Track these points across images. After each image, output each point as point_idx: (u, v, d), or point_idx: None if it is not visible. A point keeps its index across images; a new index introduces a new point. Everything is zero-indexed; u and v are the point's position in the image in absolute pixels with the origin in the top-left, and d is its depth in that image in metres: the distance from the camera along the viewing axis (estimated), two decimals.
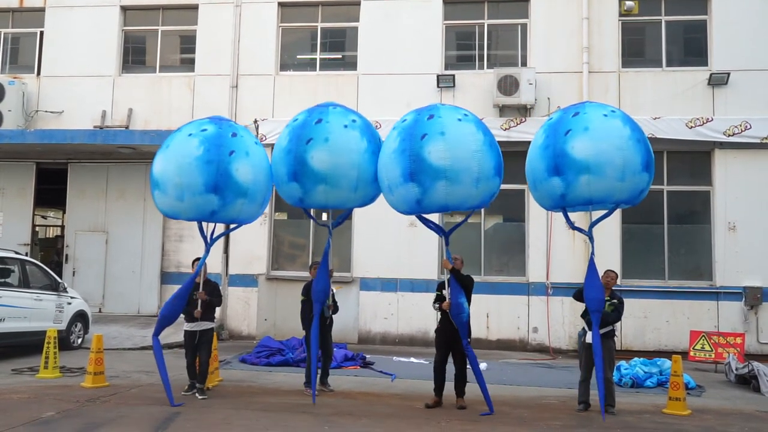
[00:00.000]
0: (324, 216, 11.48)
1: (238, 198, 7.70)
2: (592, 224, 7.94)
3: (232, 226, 8.72)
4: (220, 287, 14.51)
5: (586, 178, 7.15)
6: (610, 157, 7.12)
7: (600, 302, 7.61)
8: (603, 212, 7.99)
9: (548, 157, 7.41)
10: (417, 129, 7.38)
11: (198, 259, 8.57)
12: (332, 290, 8.90)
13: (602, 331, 7.80)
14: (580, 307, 13.50)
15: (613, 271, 8.31)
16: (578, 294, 8.05)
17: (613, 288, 8.18)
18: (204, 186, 7.47)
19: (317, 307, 8.33)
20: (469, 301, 7.94)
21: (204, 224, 8.37)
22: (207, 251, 8.34)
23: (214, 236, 8.42)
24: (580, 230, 8.19)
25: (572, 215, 8.40)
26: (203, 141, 7.60)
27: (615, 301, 7.99)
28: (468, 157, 7.25)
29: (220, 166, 7.50)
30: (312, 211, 9.28)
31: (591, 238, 7.88)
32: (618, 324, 8.16)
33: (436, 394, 8.07)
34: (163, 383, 7.81)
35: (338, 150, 7.68)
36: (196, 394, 8.24)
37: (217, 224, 8.62)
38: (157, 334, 8.00)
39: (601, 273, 7.90)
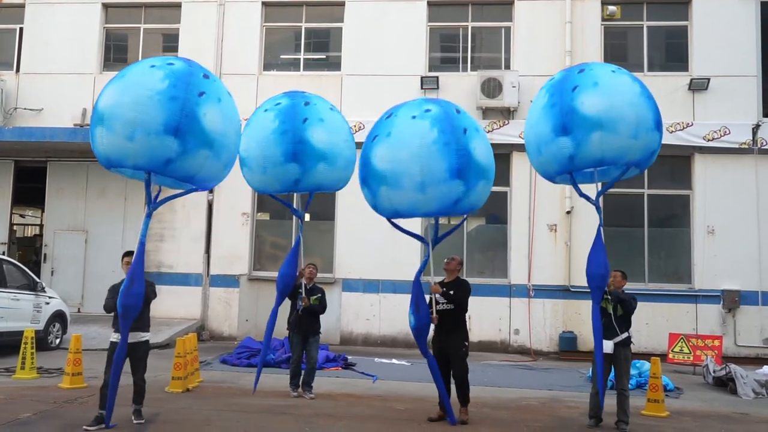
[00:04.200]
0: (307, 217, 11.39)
1: (203, 148, 6.36)
2: (599, 193, 7.47)
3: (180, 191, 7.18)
4: (201, 288, 14.56)
5: (598, 135, 6.60)
6: (623, 112, 6.61)
7: (602, 279, 7.03)
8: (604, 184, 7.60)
9: (554, 116, 6.81)
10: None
11: (130, 253, 6.88)
12: (304, 284, 8.52)
13: (618, 339, 7.36)
14: (562, 308, 13.73)
15: (621, 272, 7.70)
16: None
17: (624, 289, 7.62)
18: (163, 126, 6.11)
19: (278, 298, 8.06)
20: (466, 307, 7.56)
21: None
22: (149, 215, 6.77)
23: (160, 199, 7.00)
24: (587, 198, 7.48)
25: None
26: (169, 75, 6.31)
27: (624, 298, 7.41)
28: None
29: (186, 106, 6.21)
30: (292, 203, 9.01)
31: (598, 208, 7.35)
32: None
33: (440, 408, 7.46)
34: (108, 394, 6.56)
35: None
36: (133, 419, 6.81)
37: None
38: (125, 333, 6.64)
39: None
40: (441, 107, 7.16)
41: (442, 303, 7.41)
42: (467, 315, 7.76)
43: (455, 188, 6.85)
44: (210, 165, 6.56)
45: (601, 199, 7.35)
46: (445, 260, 7.82)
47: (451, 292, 7.42)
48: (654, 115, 6.83)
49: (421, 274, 7.39)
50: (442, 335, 7.43)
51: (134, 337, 6.80)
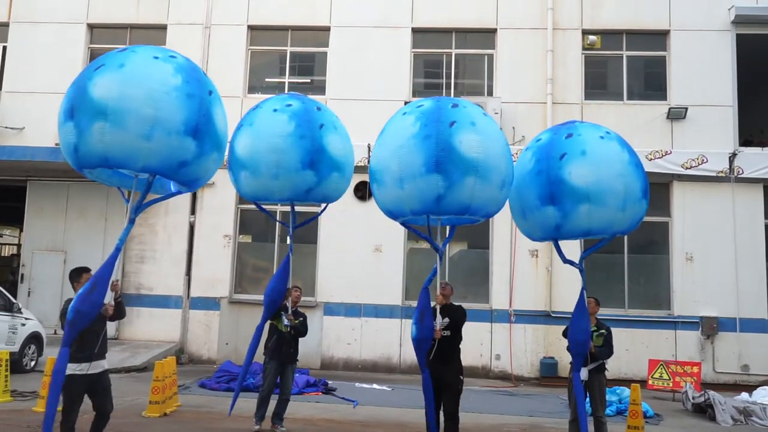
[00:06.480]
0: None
1: (214, 150, 6.03)
2: (583, 256, 7.27)
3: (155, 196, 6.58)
4: (181, 310, 14.42)
5: (585, 207, 6.51)
6: (611, 184, 6.53)
7: (584, 346, 6.87)
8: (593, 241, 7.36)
9: (541, 184, 6.68)
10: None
11: (83, 269, 6.19)
12: (289, 307, 7.96)
13: (592, 365, 7.26)
14: (543, 334, 13.77)
15: (594, 299, 7.61)
16: (566, 332, 7.22)
17: (597, 316, 7.62)
18: (184, 125, 5.63)
19: (265, 314, 7.60)
20: (460, 333, 7.18)
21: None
22: (132, 220, 6.05)
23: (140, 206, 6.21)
24: (571, 263, 7.25)
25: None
26: (179, 69, 5.80)
27: (603, 331, 7.44)
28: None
29: (203, 105, 5.81)
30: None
31: (582, 271, 7.11)
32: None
33: None
34: (46, 414, 5.58)
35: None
36: None
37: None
38: (67, 343, 5.63)
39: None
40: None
41: (441, 329, 6.94)
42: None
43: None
44: (213, 168, 6.25)
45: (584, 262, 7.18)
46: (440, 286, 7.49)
47: (447, 319, 7.05)
48: (642, 184, 6.80)
49: (429, 283, 7.00)
50: (439, 364, 6.98)
51: (98, 366, 5.97)
